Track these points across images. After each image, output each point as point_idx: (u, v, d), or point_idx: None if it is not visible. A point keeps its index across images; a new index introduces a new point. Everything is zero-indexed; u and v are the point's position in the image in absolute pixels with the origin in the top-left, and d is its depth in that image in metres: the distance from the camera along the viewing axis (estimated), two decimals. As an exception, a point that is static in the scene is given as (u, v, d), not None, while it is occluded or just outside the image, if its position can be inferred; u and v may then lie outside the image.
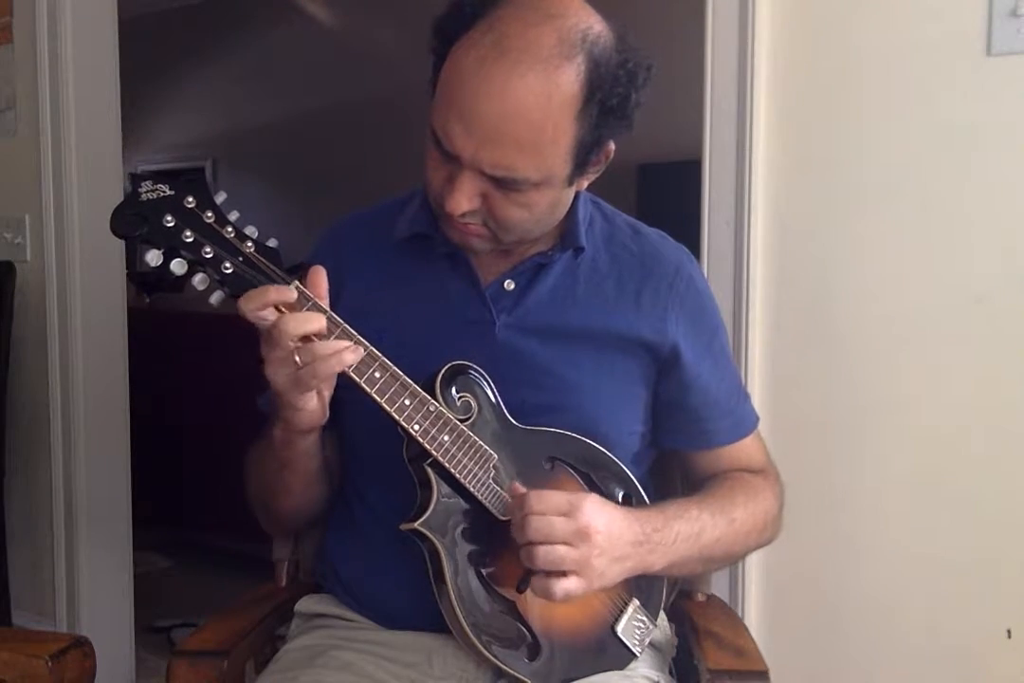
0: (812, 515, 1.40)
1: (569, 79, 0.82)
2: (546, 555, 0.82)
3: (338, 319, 0.84)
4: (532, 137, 0.83)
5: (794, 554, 1.40)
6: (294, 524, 1.12)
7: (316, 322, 0.82)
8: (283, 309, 0.82)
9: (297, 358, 0.81)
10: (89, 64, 2.06)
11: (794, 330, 1.44)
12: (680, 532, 0.92)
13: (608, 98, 0.85)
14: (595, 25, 0.84)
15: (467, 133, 0.83)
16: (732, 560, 1.12)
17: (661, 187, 3.49)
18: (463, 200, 0.86)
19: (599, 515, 0.84)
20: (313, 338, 0.82)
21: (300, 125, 5.01)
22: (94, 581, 2.12)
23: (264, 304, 0.81)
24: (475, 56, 0.82)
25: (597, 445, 0.97)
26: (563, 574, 0.83)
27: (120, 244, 2.14)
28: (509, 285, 0.99)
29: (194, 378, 2.99)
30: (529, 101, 0.81)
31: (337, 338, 0.83)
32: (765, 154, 1.43)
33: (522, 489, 0.87)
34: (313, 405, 0.87)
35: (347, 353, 0.82)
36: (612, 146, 0.91)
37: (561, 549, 0.82)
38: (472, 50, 0.83)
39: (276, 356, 0.82)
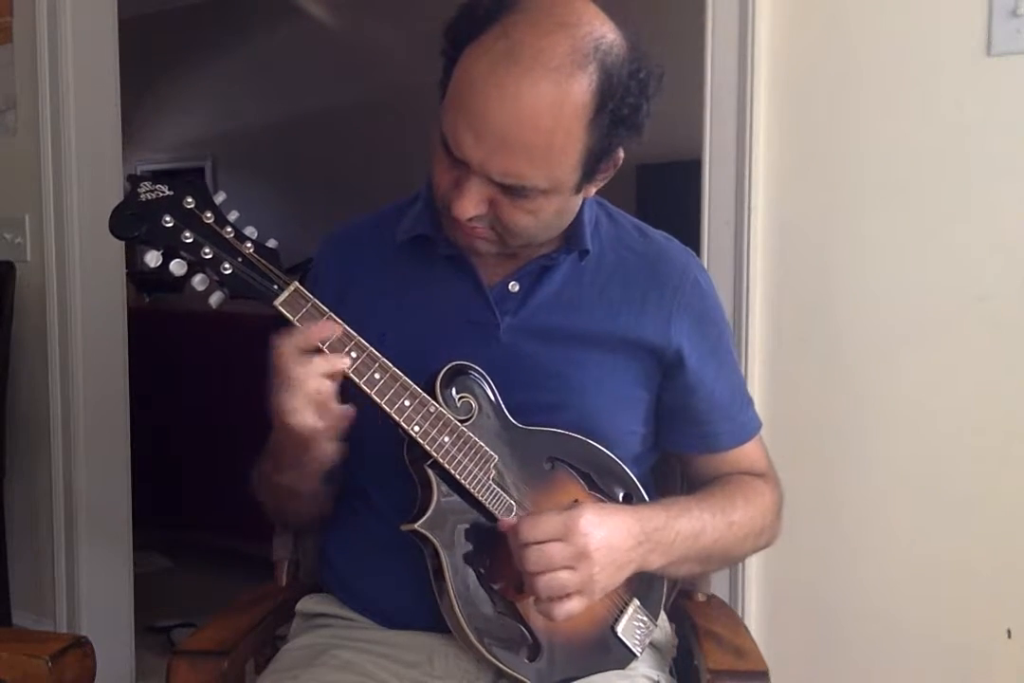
0: (812, 515, 1.40)
1: (581, 89, 0.81)
2: (549, 583, 0.82)
3: (338, 320, 0.84)
4: (542, 146, 0.83)
5: (794, 554, 1.40)
6: (310, 527, 1.14)
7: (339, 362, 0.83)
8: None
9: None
10: (89, 64, 2.06)
11: (794, 330, 1.44)
12: (680, 531, 0.92)
13: (620, 108, 0.84)
14: (608, 34, 0.84)
15: (477, 140, 0.82)
16: (729, 562, 1.12)
17: (661, 187, 3.48)
18: (470, 206, 0.86)
19: (597, 530, 0.84)
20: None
21: (300, 125, 5.00)
22: (94, 581, 2.12)
23: (306, 345, 0.82)
24: (487, 62, 0.82)
25: (598, 445, 0.97)
26: (566, 595, 0.83)
27: (120, 244, 2.13)
28: (513, 287, 0.99)
29: (194, 378, 2.99)
30: (540, 110, 0.81)
31: (337, 339, 0.83)
32: (765, 154, 1.43)
33: (512, 521, 0.86)
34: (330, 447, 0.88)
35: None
36: (621, 153, 0.90)
37: (563, 575, 0.82)
38: (484, 56, 0.82)
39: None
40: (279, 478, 0.95)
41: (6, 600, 2.13)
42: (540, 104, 0.81)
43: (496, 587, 0.90)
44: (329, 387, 0.83)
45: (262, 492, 1.04)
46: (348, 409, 0.85)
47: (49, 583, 2.14)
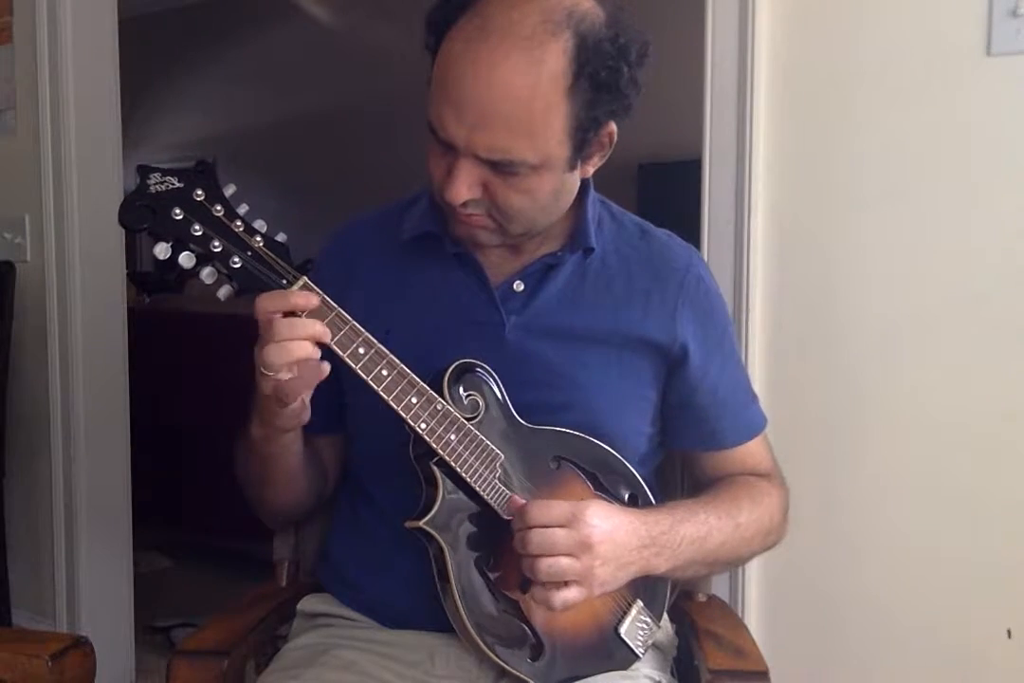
0: (812, 515, 1.39)
1: (555, 56, 0.82)
2: (548, 568, 0.82)
3: (346, 316, 0.84)
4: (523, 117, 0.83)
5: (794, 554, 1.39)
6: (285, 514, 1.11)
7: (315, 326, 0.81)
8: (298, 314, 0.81)
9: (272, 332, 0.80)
10: (89, 64, 2.06)
11: (794, 330, 1.44)
12: (686, 536, 0.92)
13: (598, 72, 0.84)
14: (582, 3, 0.84)
15: (458, 118, 0.83)
16: (736, 564, 1.12)
17: (661, 187, 3.49)
18: (462, 188, 0.86)
19: (603, 523, 0.84)
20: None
21: (300, 125, 5.01)
22: (94, 581, 2.12)
23: (285, 307, 0.80)
24: (462, 41, 0.83)
25: (604, 445, 0.97)
26: (564, 584, 0.83)
27: (120, 244, 2.14)
28: (518, 286, 0.99)
29: (194, 378, 2.99)
30: (516, 80, 0.81)
31: (344, 335, 0.83)
32: (765, 154, 1.43)
33: (521, 501, 0.87)
34: (296, 404, 0.86)
35: (315, 325, 0.81)
36: (613, 128, 0.90)
37: (564, 561, 0.82)
38: (459, 36, 0.83)
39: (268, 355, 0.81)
40: (257, 435, 0.92)
41: (6, 600, 2.13)
42: (514, 75, 0.81)
43: (500, 586, 0.90)
44: (311, 350, 0.81)
45: (242, 471, 1.02)
46: (324, 365, 0.83)
47: (49, 583, 2.14)
